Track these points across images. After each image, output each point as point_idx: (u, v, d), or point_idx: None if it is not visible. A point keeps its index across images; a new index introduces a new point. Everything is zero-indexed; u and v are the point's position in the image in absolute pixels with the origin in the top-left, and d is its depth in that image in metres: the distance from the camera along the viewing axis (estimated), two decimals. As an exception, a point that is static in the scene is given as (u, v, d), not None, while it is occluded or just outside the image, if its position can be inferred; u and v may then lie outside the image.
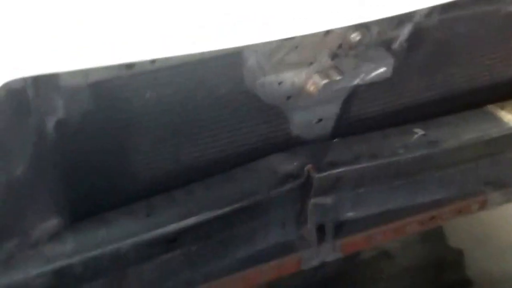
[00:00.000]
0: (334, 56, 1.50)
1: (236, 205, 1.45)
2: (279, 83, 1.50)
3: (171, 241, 1.40)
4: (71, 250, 1.33)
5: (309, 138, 1.62)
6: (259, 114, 1.56)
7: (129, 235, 1.36)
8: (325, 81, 1.48)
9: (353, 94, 1.60)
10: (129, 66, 1.32)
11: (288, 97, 1.53)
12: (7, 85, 1.16)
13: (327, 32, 1.44)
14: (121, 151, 1.48)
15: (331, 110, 1.60)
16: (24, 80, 1.21)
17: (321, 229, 1.74)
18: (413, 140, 1.62)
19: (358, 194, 1.60)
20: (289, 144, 1.60)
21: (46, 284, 1.30)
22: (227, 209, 1.44)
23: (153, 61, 1.33)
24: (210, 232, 1.45)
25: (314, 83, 1.50)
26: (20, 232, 1.32)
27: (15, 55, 1.11)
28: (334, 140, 1.61)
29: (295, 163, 1.51)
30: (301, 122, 1.59)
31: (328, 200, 1.55)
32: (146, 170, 1.49)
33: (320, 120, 1.60)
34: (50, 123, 1.35)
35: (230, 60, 1.47)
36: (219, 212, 1.43)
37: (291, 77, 1.50)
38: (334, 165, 1.52)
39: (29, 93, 1.23)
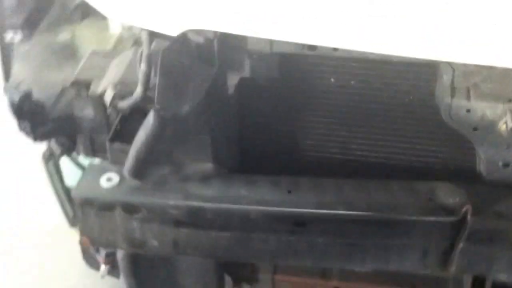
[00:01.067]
0: (537, 102, 1.33)
1: (381, 215, 1.40)
2: (468, 110, 1.38)
3: (299, 224, 1.41)
4: (211, 197, 1.42)
5: (489, 178, 1.46)
6: (439, 134, 1.47)
7: (265, 203, 1.41)
8: (518, 125, 1.32)
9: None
10: (312, 47, 1.34)
11: (475, 129, 1.40)
12: (201, 32, 1.27)
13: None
14: (290, 123, 1.51)
15: (523, 158, 1.42)
16: (215, 33, 1.31)
17: (475, 281, 1.59)
18: None
19: (521, 257, 1.41)
20: (462, 177, 1.47)
21: (179, 217, 1.42)
22: (370, 215, 1.39)
23: (335, 49, 1.33)
24: (343, 232, 1.42)
25: (507, 123, 1.34)
26: (175, 164, 1.46)
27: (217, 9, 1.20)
28: (514, 191, 1.43)
29: (457, 199, 1.39)
30: (484, 159, 1.44)
31: (480, 250, 1.40)
32: (306, 150, 1.52)
33: (507, 165, 1.43)
34: (233, 79, 1.45)
35: (425, 71, 1.40)
36: (361, 215, 1.39)
37: (482, 108, 1.37)
38: (499, 215, 1.36)
39: (215, 45, 1.33)
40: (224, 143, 1.51)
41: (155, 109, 1.33)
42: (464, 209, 1.36)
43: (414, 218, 1.39)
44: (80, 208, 1.45)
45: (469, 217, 1.36)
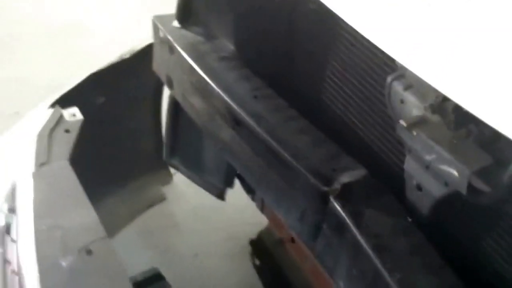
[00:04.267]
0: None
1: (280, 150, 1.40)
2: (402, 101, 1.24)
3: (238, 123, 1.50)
4: (208, 67, 1.62)
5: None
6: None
7: (231, 94, 1.54)
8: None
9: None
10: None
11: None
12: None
13: None
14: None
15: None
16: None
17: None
18: None
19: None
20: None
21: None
22: (272, 145, 1.41)
23: None
24: (259, 152, 1.46)
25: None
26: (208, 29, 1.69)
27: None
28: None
29: (345, 180, 1.29)
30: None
31: (331, 244, 1.28)
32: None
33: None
34: None
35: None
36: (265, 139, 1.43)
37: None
38: (358, 223, 1.22)
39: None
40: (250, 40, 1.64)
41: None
42: (332, 188, 1.27)
43: (299, 168, 1.33)
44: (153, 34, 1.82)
45: (331, 198, 1.26)
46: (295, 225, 1.39)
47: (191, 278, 2.59)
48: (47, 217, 1.67)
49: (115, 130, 2.60)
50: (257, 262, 2.32)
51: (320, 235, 1.31)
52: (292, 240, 1.90)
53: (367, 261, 1.15)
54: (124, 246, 2.67)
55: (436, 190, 1.18)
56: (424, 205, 1.22)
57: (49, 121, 2.00)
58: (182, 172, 1.98)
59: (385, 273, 1.11)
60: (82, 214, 1.69)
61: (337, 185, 1.27)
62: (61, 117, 2.02)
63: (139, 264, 2.37)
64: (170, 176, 2.95)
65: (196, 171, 1.95)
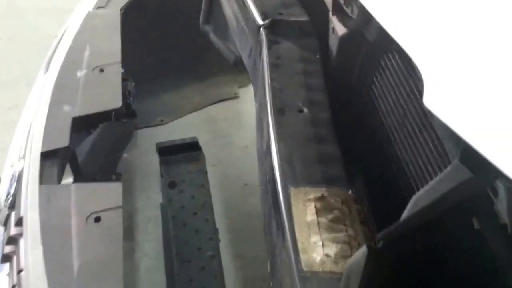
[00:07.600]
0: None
1: None
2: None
3: None
4: None
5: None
6: None
7: None
8: None
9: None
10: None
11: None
12: None
13: None
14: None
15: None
16: None
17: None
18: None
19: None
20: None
21: None
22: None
23: None
24: None
25: None
26: None
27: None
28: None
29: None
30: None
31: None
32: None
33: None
34: None
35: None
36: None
37: None
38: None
39: None
40: None
41: None
42: (264, 22, 1.44)
43: (252, 9, 1.51)
44: None
45: (261, 29, 1.43)
46: (247, 63, 1.58)
47: (233, 163, 2.83)
48: (82, 41, 2.01)
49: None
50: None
51: (254, 67, 1.49)
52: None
53: (262, 78, 1.32)
54: (187, 126, 3.00)
55: (340, 30, 1.31)
56: (334, 45, 1.36)
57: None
58: (212, 38, 2.20)
59: (267, 82, 1.28)
60: (110, 46, 2.00)
61: (268, 21, 1.44)
62: (131, -24, 2.33)
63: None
64: (248, 80, 3.20)
65: (222, 39, 2.16)
